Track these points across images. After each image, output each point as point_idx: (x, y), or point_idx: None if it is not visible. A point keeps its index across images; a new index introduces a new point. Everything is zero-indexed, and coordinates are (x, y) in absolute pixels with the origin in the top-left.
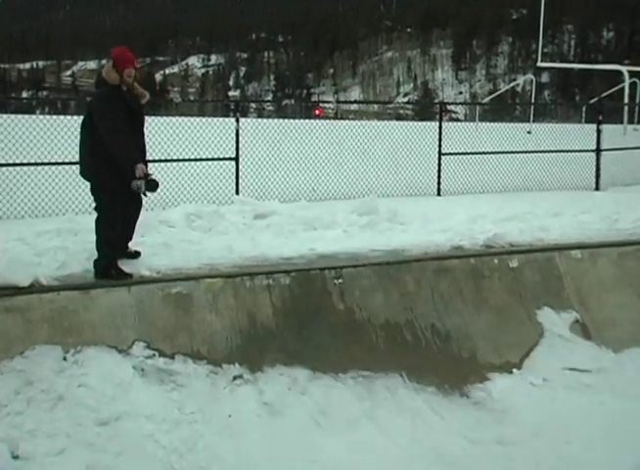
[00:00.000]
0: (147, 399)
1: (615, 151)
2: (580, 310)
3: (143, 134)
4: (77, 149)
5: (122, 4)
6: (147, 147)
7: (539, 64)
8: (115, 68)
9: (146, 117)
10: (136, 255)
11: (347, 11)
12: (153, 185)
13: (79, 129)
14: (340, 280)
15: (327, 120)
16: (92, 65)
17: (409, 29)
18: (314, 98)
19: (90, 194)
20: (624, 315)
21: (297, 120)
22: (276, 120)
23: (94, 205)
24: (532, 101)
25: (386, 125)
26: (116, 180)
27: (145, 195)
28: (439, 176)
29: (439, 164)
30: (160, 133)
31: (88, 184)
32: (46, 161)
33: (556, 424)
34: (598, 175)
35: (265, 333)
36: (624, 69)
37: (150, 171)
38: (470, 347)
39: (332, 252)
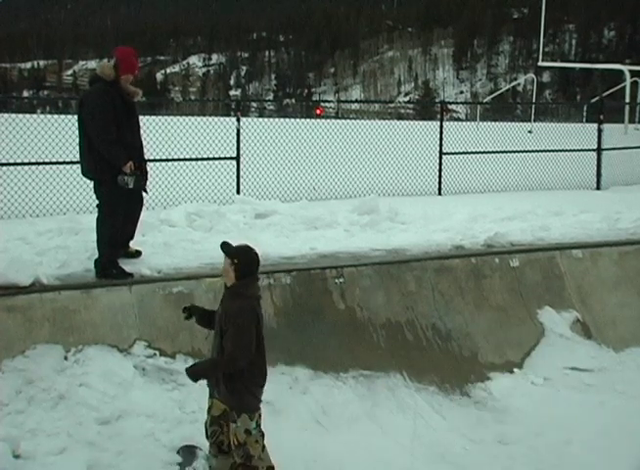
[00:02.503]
0: (148, 398)
1: (616, 150)
2: (581, 310)
3: (139, 130)
4: (78, 148)
5: (124, 3)
6: (148, 147)
7: (540, 63)
8: (116, 68)
9: (147, 117)
10: (137, 254)
11: (349, 10)
12: (137, 182)
13: (77, 125)
14: (341, 279)
15: (328, 120)
16: (93, 64)
17: (410, 29)
18: (315, 97)
19: (93, 193)
20: (625, 315)
21: (297, 120)
22: (277, 120)
23: (97, 202)
24: (533, 100)
25: (386, 125)
26: (116, 175)
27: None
28: (440, 176)
29: (440, 164)
30: (162, 133)
31: (89, 183)
32: (47, 160)
33: (556, 423)
34: (599, 175)
35: (266, 332)
36: (625, 68)
37: (137, 170)
38: (471, 346)
39: (333, 251)
